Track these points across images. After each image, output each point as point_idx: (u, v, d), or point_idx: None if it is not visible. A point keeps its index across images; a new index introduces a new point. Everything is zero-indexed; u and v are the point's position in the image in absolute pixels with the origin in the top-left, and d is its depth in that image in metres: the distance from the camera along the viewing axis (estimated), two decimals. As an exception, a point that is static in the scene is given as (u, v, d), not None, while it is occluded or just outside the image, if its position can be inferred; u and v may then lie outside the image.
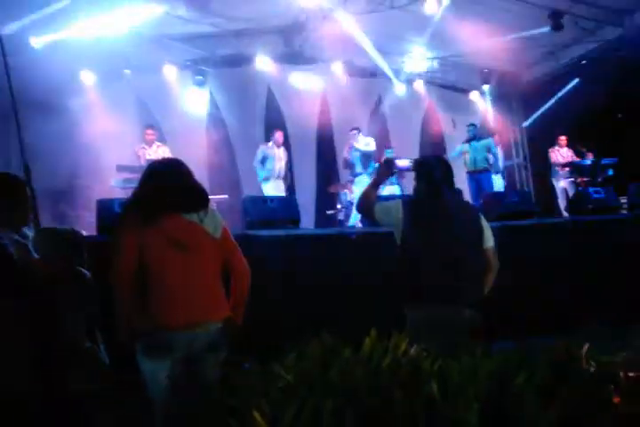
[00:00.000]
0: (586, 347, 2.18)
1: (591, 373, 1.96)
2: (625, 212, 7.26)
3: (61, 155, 8.08)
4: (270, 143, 8.99)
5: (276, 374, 1.83)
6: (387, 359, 1.86)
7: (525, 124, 12.65)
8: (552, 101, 11.37)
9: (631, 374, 2.04)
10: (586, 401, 1.82)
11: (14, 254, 2.35)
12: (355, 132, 9.21)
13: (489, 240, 3.09)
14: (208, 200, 2.75)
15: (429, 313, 2.87)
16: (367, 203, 3.17)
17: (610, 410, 1.83)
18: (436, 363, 1.83)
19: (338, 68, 11.27)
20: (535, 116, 12.11)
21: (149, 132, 8.56)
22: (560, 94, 11.21)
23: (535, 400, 1.65)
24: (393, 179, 8.97)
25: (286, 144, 10.16)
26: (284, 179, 8.99)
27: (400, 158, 3.33)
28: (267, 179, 8.83)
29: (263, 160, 8.87)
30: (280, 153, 8.96)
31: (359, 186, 8.63)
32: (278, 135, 9.02)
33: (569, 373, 1.93)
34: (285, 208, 6.22)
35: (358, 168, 9.03)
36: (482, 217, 3.12)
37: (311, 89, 11.30)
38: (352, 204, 9.26)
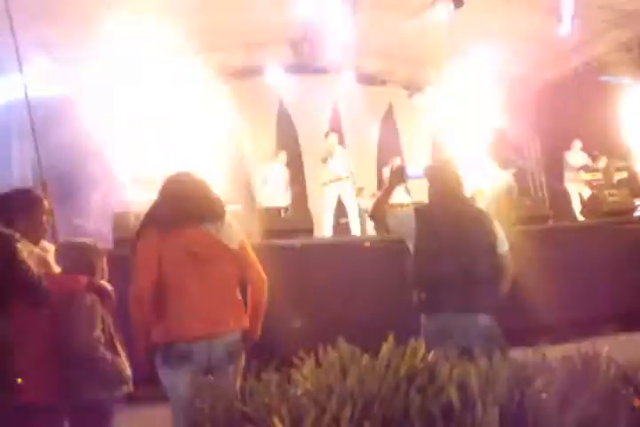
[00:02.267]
0: (605, 350, 2.17)
1: (610, 376, 1.95)
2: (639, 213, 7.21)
3: (77, 168, 8.18)
4: (272, 163, 9.00)
5: (295, 381, 1.84)
6: (404, 366, 1.86)
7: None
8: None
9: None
10: (605, 404, 1.81)
11: (33, 267, 2.39)
12: None
13: (502, 245, 3.09)
14: (224, 211, 2.77)
15: (445, 322, 2.88)
16: (380, 212, 3.18)
17: (630, 413, 1.82)
18: (453, 369, 1.83)
19: (348, 76, 11.31)
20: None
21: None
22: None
23: (555, 404, 1.65)
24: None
25: (298, 154, 10.20)
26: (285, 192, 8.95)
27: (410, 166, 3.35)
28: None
29: (264, 181, 8.90)
30: (282, 172, 8.96)
31: None
32: (281, 155, 9.04)
33: (588, 376, 1.93)
34: (299, 218, 6.27)
35: None
36: (494, 222, 3.12)
37: (322, 99, 11.34)
38: (365, 212, 9.26)
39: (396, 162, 9.62)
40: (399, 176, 3.32)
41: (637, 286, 5.21)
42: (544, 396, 1.68)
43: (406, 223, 3.04)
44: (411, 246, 3.06)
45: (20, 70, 4.31)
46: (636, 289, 5.17)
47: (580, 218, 8.08)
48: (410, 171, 3.31)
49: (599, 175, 8.98)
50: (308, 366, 1.93)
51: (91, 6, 7.58)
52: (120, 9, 7.84)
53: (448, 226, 3.00)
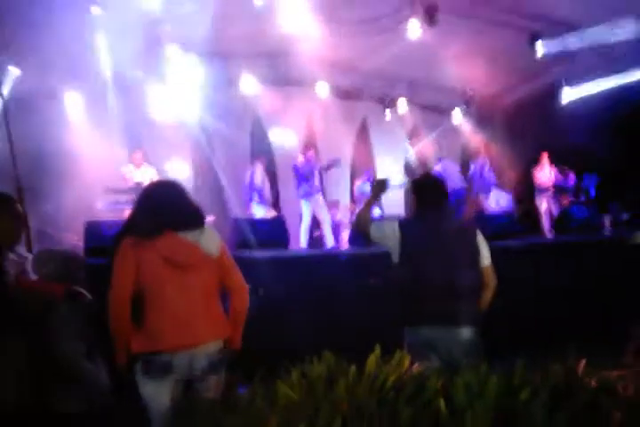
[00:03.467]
0: (583, 362, 2.21)
1: (591, 388, 1.98)
2: (607, 230, 7.38)
3: (47, 176, 8.05)
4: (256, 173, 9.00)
5: (282, 392, 1.82)
6: (391, 377, 1.87)
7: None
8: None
9: (630, 389, 2.07)
10: (587, 415, 1.84)
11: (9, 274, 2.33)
12: None
13: (485, 258, 3.12)
14: (204, 219, 2.76)
15: (429, 335, 2.89)
16: (363, 222, 3.20)
17: (610, 424, 1.85)
18: (440, 380, 1.84)
19: (323, 89, 11.39)
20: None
21: (137, 155, 8.55)
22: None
23: (543, 415, 1.67)
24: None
25: (272, 166, 10.19)
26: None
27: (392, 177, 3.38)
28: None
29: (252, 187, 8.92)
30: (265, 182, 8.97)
31: None
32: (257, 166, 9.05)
33: (570, 388, 1.96)
34: (274, 230, 6.24)
35: None
36: (479, 235, 3.15)
37: (297, 111, 11.38)
38: (338, 224, 9.30)
39: (369, 175, 9.70)
40: (382, 187, 3.33)
41: (606, 301, 5.32)
42: (532, 406, 1.70)
43: (390, 233, 3.06)
44: (394, 257, 3.07)
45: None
46: (606, 305, 5.27)
47: (549, 235, 8.23)
48: (391, 181, 3.32)
49: (568, 191, 9.17)
50: (295, 377, 1.91)
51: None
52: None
53: (432, 239, 3.02)
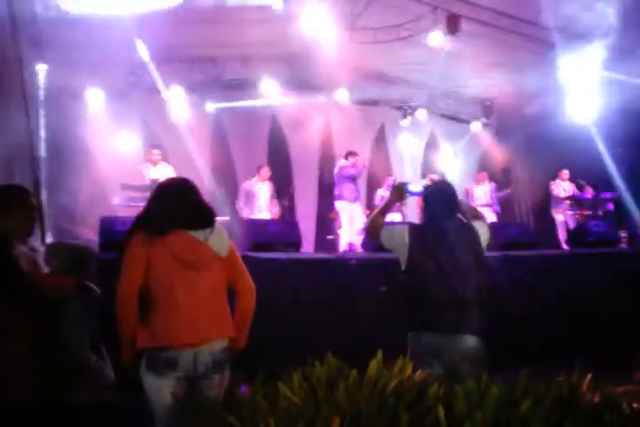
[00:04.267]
0: (589, 377, 2.18)
1: (595, 403, 1.96)
2: (624, 245, 7.30)
3: (65, 171, 8.15)
4: (254, 179, 8.95)
5: (283, 394, 1.83)
6: (392, 383, 1.86)
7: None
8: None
9: (634, 405, 2.04)
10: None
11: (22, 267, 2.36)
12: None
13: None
14: (214, 218, 2.77)
15: (434, 342, 2.88)
16: (375, 226, 3.20)
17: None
18: (442, 388, 1.83)
19: (342, 95, 11.41)
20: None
21: (155, 152, 8.60)
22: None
23: (541, 427, 1.66)
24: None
25: (288, 169, 10.21)
26: (270, 211, 8.89)
27: (412, 183, 3.34)
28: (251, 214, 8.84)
29: (247, 198, 8.86)
30: (264, 188, 8.92)
31: None
32: (264, 171, 8.98)
33: (573, 402, 1.94)
34: (287, 231, 6.26)
35: None
36: (483, 230, 3.16)
37: (315, 116, 11.42)
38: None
39: (390, 181, 9.71)
40: (400, 192, 3.32)
41: (620, 316, 5.26)
42: (532, 419, 1.69)
43: (399, 238, 3.06)
44: (402, 262, 3.06)
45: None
46: (618, 319, 5.21)
47: (566, 247, 8.16)
48: (410, 188, 3.29)
49: (585, 205, 9.09)
50: (296, 379, 1.92)
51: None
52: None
53: (441, 246, 3.02)
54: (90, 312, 2.63)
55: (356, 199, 8.97)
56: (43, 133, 7.28)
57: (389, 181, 9.91)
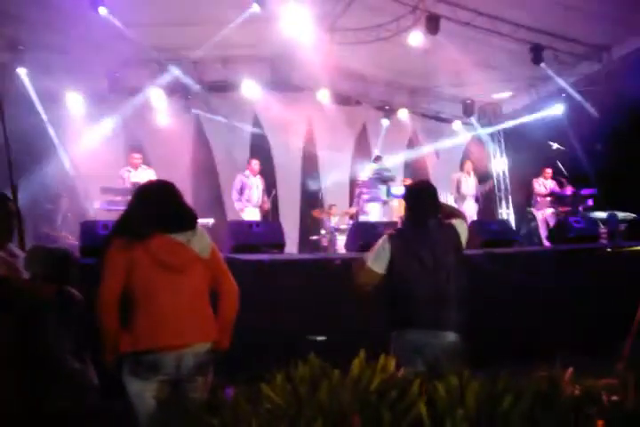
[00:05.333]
0: (569, 371, 2.21)
1: (575, 397, 1.98)
2: (604, 241, 7.39)
3: (45, 175, 8.07)
4: (247, 172, 8.97)
5: (265, 395, 1.83)
6: (375, 381, 1.87)
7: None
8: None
9: (614, 398, 2.07)
10: (570, 424, 1.84)
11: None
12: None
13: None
14: (196, 221, 2.75)
15: (417, 339, 2.90)
16: (371, 278, 3.11)
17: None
18: (424, 385, 1.84)
19: (324, 96, 11.44)
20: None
21: (136, 156, 8.57)
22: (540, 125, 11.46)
23: (522, 424, 1.67)
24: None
25: (271, 170, 10.22)
26: (260, 207, 8.95)
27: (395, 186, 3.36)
28: (244, 208, 8.87)
29: (241, 190, 8.89)
30: (256, 181, 8.96)
31: None
32: (254, 164, 9.03)
33: (553, 397, 1.96)
34: (270, 233, 6.24)
35: None
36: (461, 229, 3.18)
37: (297, 116, 11.43)
38: (336, 229, 9.32)
39: None
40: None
41: (601, 312, 5.32)
42: (512, 415, 1.70)
43: (384, 253, 3.05)
44: (385, 267, 3.08)
45: None
46: (599, 314, 5.27)
47: (547, 243, 8.24)
48: (393, 191, 3.32)
49: (566, 202, 9.18)
50: (279, 379, 1.91)
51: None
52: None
53: (422, 244, 3.04)
54: (71, 318, 2.60)
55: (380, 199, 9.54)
56: (21, 138, 7.19)
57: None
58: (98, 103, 9.75)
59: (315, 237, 9.80)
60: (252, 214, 8.74)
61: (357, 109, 12.38)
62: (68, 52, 8.32)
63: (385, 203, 9.54)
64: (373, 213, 9.24)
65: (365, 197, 9.43)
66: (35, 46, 8.37)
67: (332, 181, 11.59)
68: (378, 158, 10.10)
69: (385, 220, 8.97)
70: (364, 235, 6.16)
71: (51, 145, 8.78)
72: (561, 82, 10.44)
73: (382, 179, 9.48)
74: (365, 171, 9.94)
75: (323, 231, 9.65)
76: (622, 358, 3.88)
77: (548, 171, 9.80)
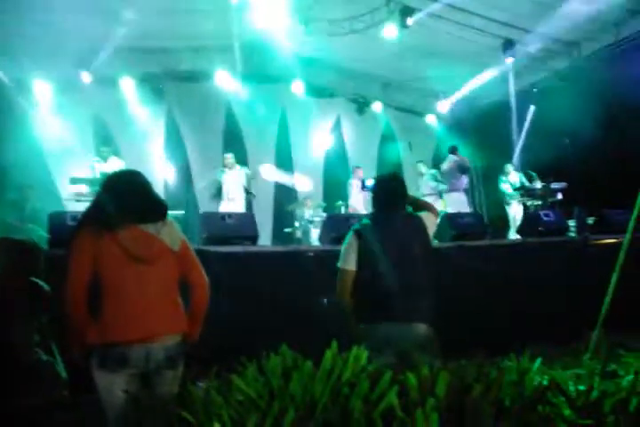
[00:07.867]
0: (538, 362, 2.25)
1: (543, 386, 2.02)
2: (573, 234, 7.52)
3: (12, 166, 7.90)
4: (222, 167, 8.90)
5: (237, 387, 1.82)
6: (347, 372, 1.87)
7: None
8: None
9: (581, 388, 2.11)
10: (538, 413, 1.87)
11: None
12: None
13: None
14: (166, 211, 2.71)
15: (386, 332, 2.92)
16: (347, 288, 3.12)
17: (561, 422, 1.89)
18: (395, 376, 1.86)
19: (297, 87, 11.39)
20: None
21: (104, 149, 8.47)
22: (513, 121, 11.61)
23: (492, 413, 1.69)
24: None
25: (245, 161, 10.15)
26: (234, 200, 8.82)
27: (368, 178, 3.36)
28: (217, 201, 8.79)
29: (217, 186, 8.82)
30: (230, 175, 8.86)
31: None
32: (226, 158, 8.94)
33: (521, 386, 1.99)
34: (243, 225, 6.20)
35: None
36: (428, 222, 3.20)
37: (270, 107, 11.37)
38: (310, 222, 9.31)
39: (360, 173, 10.22)
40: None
41: (570, 303, 5.42)
42: (482, 403, 1.72)
43: (352, 250, 3.08)
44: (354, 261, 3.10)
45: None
46: (568, 306, 5.37)
47: (517, 236, 8.35)
48: (367, 182, 3.32)
49: (535, 196, 9.31)
50: (251, 371, 1.91)
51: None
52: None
53: (389, 236, 3.07)
54: (38, 310, 2.55)
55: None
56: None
57: (359, 173, 10.07)
58: (67, 92, 9.56)
59: (289, 230, 9.79)
60: (225, 208, 8.66)
61: (331, 101, 12.37)
62: (36, 40, 8.13)
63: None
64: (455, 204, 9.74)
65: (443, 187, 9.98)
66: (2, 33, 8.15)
67: (306, 173, 11.59)
68: (454, 149, 10.39)
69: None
70: (336, 227, 6.16)
71: (19, 135, 8.56)
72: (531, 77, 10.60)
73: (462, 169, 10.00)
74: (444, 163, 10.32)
75: (297, 224, 9.64)
76: (589, 349, 3.98)
77: (509, 166, 10.01)
